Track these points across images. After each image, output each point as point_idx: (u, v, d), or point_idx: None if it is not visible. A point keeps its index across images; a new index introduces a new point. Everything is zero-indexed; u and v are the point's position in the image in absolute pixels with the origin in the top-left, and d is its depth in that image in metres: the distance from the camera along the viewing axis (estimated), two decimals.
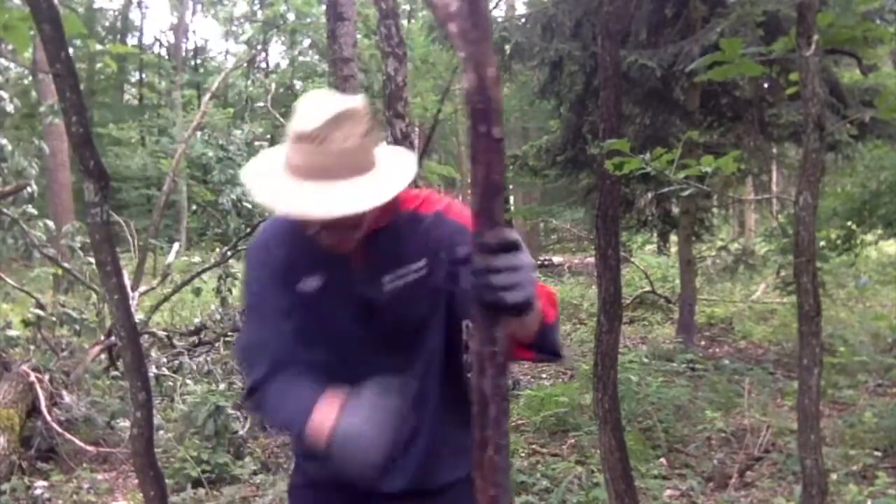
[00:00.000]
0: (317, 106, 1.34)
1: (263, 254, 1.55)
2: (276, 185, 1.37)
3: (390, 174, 1.38)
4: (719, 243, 10.72)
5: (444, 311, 1.49)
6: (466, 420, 1.52)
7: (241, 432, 4.89)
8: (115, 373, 5.91)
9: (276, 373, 1.45)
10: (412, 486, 1.54)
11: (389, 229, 1.48)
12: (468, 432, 1.52)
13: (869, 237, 8.82)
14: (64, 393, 5.14)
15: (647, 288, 10.53)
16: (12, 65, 6.73)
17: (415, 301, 1.48)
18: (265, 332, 1.50)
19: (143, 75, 29.95)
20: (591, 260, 11.94)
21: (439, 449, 1.54)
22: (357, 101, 1.37)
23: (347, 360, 1.51)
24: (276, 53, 31.49)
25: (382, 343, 1.50)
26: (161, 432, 4.80)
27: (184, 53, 27.58)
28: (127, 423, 4.21)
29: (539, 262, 16.95)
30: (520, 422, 5.29)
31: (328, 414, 1.32)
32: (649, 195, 8.79)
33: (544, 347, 1.36)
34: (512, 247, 1.06)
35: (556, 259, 17.77)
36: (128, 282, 5.40)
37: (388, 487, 1.52)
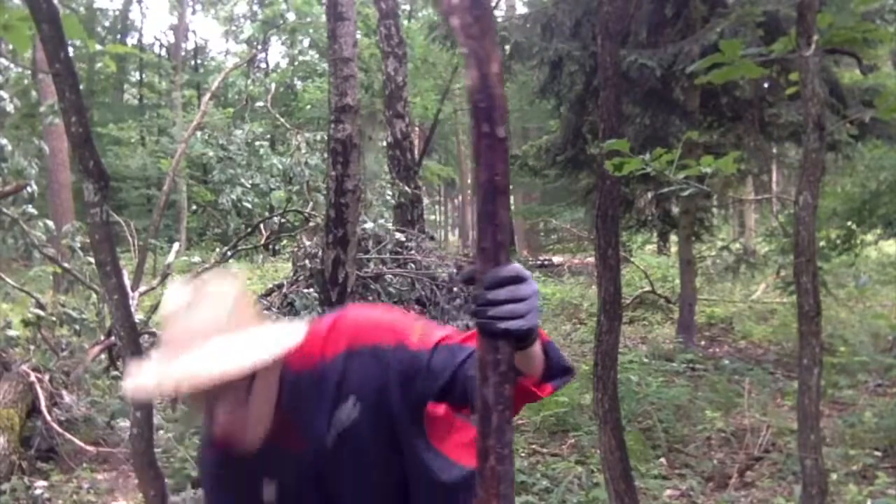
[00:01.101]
0: (183, 290, 1.29)
1: (213, 470, 1.50)
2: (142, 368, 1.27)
3: (257, 341, 1.25)
4: (719, 243, 10.71)
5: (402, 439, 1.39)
6: None
7: None
8: (115, 373, 5.91)
9: None
10: None
11: (302, 394, 1.36)
12: None
13: (869, 237, 8.82)
14: (64, 393, 5.14)
15: (647, 288, 10.53)
16: (12, 65, 6.72)
17: (366, 442, 1.38)
18: None
19: (143, 75, 29.96)
20: (591, 260, 11.95)
21: None
22: (227, 284, 1.30)
23: None
24: (276, 53, 31.55)
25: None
26: (161, 432, 4.80)
27: (184, 53, 27.57)
28: (127, 423, 4.20)
29: (539, 263, 16.95)
30: (520, 422, 5.29)
31: None
32: (649, 195, 8.80)
33: (555, 370, 1.29)
34: (514, 280, 1.05)
35: (556, 259, 17.76)
36: (128, 282, 5.41)
37: None
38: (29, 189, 6.11)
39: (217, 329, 1.23)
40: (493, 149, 0.97)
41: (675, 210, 9.07)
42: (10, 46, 7.19)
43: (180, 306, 1.25)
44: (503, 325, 1.03)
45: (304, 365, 1.35)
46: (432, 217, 32.62)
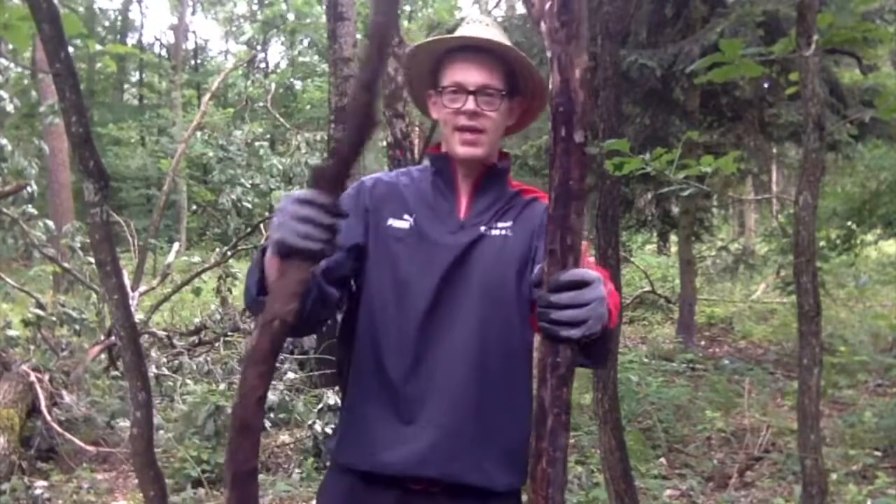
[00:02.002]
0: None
1: (359, 187, 1.58)
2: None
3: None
4: (719, 243, 10.72)
5: (519, 290, 1.49)
6: (512, 425, 1.50)
7: None
8: (115, 373, 5.91)
9: None
10: (424, 466, 1.44)
11: (496, 187, 1.57)
12: (513, 440, 1.50)
13: (869, 237, 8.83)
14: (64, 393, 5.14)
15: (647, 288, 10.53)
16: (12, 65, 6.72)
17: (500, 258, 1.49)
18: None
19: (143, 75, 29.94)
20: (591, 260, 11.91)
21: (464, 433, 1.44)
22: None
23: (412, 315, 1.47)
24: (276, 53, 31.54)
25: (456, 299, 1.48)
26: (161, 432, 4.80)
27: (184, 53, 27.56)
28: (127, 423, 4.21)
29: None
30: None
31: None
32: (649, 195, 8.79)
33: (592, 356, 1.28)
34: (578, 285, 1.07)
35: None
36: (128, 282, 5.41)
37: (391, 457, 1.44)
38: (29, 189, 6.11)
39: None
40: (569, 153, 0.97)
41: (675, 210, 9.07)
42: (10, 46, 7.20)
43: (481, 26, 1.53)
44: (563, 332, 1.06)
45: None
46: None
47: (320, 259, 1.13)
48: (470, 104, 1.48)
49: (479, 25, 1.52)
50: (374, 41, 1.03)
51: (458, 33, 1.52)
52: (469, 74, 1.49)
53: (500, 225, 1.53)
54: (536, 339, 1.16)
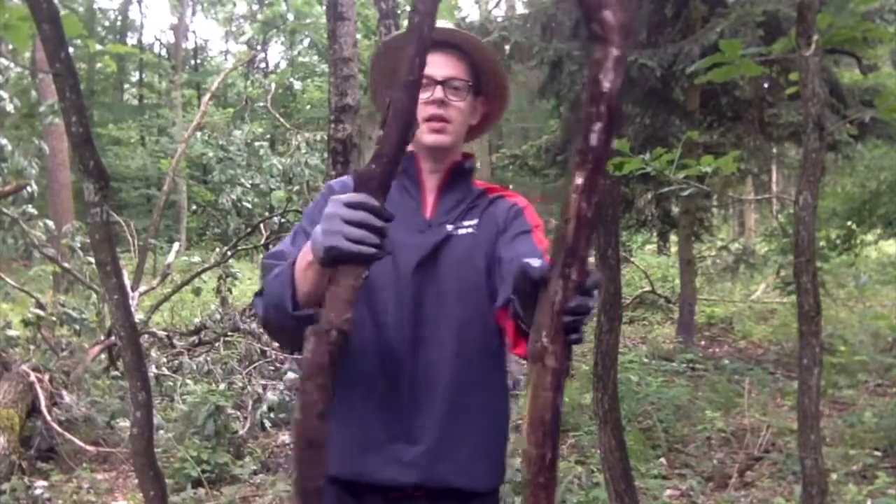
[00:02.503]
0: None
1: (328, 194, 1.56)
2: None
3: None
4: (719, 243, 10.72)
5: (488, 289, 1.49)
6: (491, 425, 1.53)
7: (241, 432, 4.90)
8: (115, 373, 5.91)
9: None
10: (410, 473, 1.45)
11: (462, 186, 1.59)
12: (493, 440, 1.53)
13: (869, 237, 8.83)
14: (64, 393, 5.14)
15: (647, 288, 10.53)
16: (12, 65, 6.72)
17: (470, 258, 1.51)
18: (294, 247, 1.46)
19: (143, 75, 29.95)
20: (591, 260, 11.93)
21: (448, 437, 1.45)
22: None
23: (383, 320, 1.47)
24: (276, 53, 31.54)
25: (432, 302, 1.48)
26: (161, 432, 4.80)
27: (183, 53, 27.56)
28: (127, 423, 4.21)
29: None
30: (520, 421, 5.28)
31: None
32: (649, 195, 8.80)
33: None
34: (588, 291, 1.04)
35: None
36: (128, 282, 5.41)
37: (376, 465, 1.45)
38: (29, 189, 6.11)
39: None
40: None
41: (675, 210, 9.08)
42: (10, 46, 7.19)
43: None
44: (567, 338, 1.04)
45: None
46: None
47: (371, 263, 1.11)
48: (438, 93, 1.51)
49: (444, 26, 1.54)
50: (415, 37, 1.01)
51: None
52: (437, 67, 1.51)
53: (465, 224, 1.54)
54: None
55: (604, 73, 0.85)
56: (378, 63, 1.64)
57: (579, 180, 0.96)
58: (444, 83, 1.52)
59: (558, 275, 0.99)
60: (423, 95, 1.50)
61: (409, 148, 1.53)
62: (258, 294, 1.46)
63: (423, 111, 1.51)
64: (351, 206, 1.11)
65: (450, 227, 1.53)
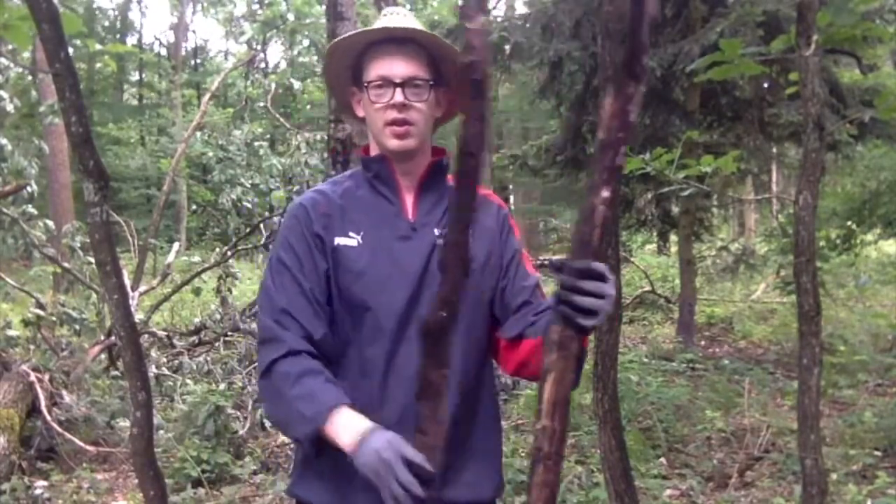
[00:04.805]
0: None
1: (298, 213, 1.50)
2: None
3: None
4: (719, 243, 10.72)
5: (489, 296, 1.49)
6: (488, 433, 1.51)
7: (241, 432, 4.89)
8: (115, 373, 5.91)
9: (297, 354, 1.38)
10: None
11: (440, 184, 1.53)
12: (491, 447, 1.53)
13: (869, 237, 8.83)
14: (64, 393, 5.14)
15: (647, 288, 10.53)
16: (12, 65, 6.72)
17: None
18: (293, 295, 1.42)
19: (143, 75, 29.95)
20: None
21: (451, 451, 1.36)
22: None
23: (380, 337, 1.42)
24: (276, 53, 31.55)
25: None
26: (161, 432, 4.80)
27: (183, 53, 27.56)
28: (127, 423, 4.21)
29: (539, 262, 16.94)
30: (520, 422, 5.29)
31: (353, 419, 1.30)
32: (649, 195, 8.79)
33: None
34: (602, 277, 1.11)
35: (556, 258, 17.74)
36: (128, 282, 5.41)
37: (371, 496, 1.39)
38: (29, 189, 6.11)
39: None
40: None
41: (675, 210, 9.07)
42: (11, 46, 7.20)
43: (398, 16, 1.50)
44: (581, 319, 1.10)
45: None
46: None
47: None
48: (398, 96, 1.44)
49: (397, 17, 1.49)
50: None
51: (376, 25, 1.49)
52: (394, 66, 1.45)
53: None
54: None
55: (633, 106, 1.02)
56: (332, 65, 1.57)
57: (606, 193, 1.06)
58: (403, 84, 1.44)
59: None
60: (383, 100, 1.45)
61: (377, 151, 1.53)
62: (263, 376, 1.42)
63: (383, 115, 1.46)
64: (408, 463, 1.18)
65: (436, 231, 1.46)
